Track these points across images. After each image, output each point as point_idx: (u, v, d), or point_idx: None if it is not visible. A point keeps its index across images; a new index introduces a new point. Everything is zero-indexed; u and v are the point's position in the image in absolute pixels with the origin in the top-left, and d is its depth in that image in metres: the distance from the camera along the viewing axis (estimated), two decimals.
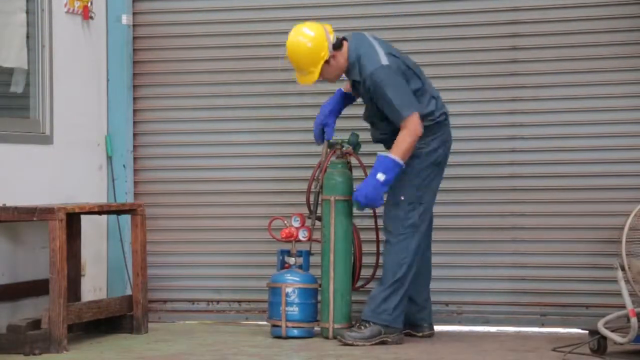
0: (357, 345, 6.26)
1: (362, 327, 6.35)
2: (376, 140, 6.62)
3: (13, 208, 6.18)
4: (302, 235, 6.71)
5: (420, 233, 6.37)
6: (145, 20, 7.52)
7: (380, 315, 6.34)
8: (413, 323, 6.62)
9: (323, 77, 6.49)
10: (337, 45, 6.40)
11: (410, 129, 6.23)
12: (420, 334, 6.62)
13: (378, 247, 6.76)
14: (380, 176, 6.22)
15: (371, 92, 6.33)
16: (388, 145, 6.46)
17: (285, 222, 6.73)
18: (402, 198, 6.35)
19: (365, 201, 6.28)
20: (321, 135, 6.69)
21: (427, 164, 6.37)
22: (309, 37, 6.40)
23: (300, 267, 6.69)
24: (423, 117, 6.31)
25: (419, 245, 6.37)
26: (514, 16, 7.02)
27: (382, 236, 6.56)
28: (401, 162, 6.22)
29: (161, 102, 7.53)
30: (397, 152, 6.23)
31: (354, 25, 7.16)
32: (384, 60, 6.29)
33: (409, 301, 6.46)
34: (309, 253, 6.75)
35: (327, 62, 6.39)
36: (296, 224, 6.71)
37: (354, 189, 6.48)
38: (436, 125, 6.39)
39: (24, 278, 6.58)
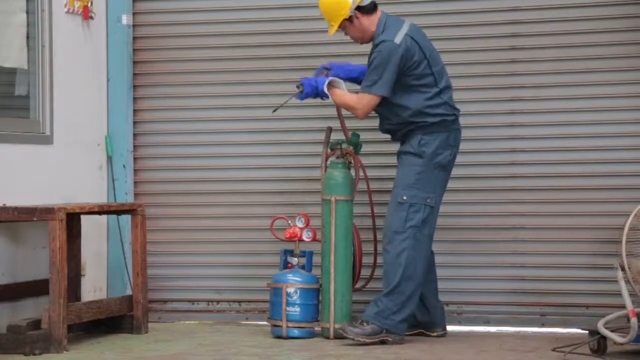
0: (358, 340, 6.25)
1: (365, 324, 6.34)
2: (383, 131, 6.60)
3: (13, 208, 6.18)
4: (306, 235, 6.70)
5: (425, 236, 6.35)
6: (145, 20, 7.52)
7: (384, 320, 6.32)
8: (425, 325, 6.62)
9: (348, 35, 6.51)
10: (367, 10, 6.40)
11: (361, 102, 6.37)
12: (435, 334, 6.61)
13: (376, 247, 6.76)
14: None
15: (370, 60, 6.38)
16: (395, 136, 6.48)
17: (290, 222, 6.72)
18: (405, 198, 6.34)
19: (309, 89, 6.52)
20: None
21: (431, 165, 6.35)
22: None
23: (302, 267, 6.69)
24: (419, 112, 6.33)
25: (424, 247, 6.35)
26: (514, 16, 7.02)
27: (380, 237, 6.55)
28: (327, 93, 6.45)
29: (161, 102, 7.53)
30: (333, 92, 6.47)
31: None
32: (399, 38, 6.29)
33: (420, 303, 6.46)
34: (312, 254, 6.74)
35: (350, 20, 6.40)
36: (300, 224, 6.70)
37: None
38: (441, 124, 6.37)
39: (24, 278, 6.57)
